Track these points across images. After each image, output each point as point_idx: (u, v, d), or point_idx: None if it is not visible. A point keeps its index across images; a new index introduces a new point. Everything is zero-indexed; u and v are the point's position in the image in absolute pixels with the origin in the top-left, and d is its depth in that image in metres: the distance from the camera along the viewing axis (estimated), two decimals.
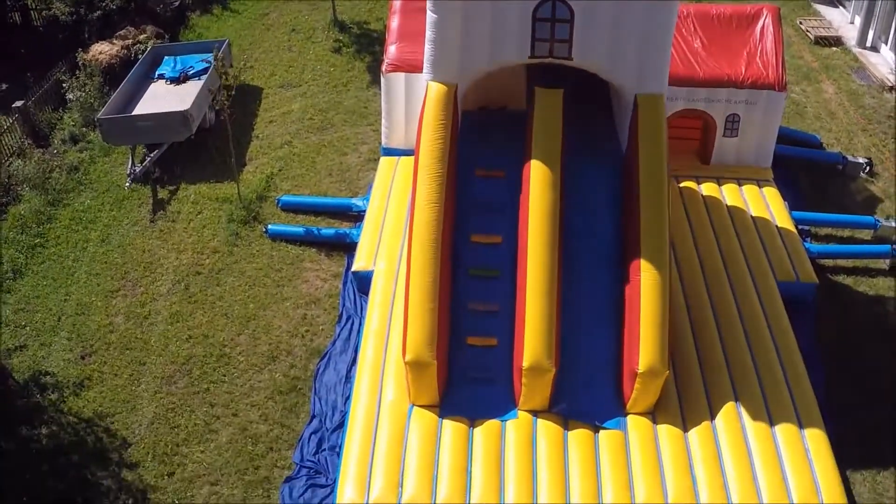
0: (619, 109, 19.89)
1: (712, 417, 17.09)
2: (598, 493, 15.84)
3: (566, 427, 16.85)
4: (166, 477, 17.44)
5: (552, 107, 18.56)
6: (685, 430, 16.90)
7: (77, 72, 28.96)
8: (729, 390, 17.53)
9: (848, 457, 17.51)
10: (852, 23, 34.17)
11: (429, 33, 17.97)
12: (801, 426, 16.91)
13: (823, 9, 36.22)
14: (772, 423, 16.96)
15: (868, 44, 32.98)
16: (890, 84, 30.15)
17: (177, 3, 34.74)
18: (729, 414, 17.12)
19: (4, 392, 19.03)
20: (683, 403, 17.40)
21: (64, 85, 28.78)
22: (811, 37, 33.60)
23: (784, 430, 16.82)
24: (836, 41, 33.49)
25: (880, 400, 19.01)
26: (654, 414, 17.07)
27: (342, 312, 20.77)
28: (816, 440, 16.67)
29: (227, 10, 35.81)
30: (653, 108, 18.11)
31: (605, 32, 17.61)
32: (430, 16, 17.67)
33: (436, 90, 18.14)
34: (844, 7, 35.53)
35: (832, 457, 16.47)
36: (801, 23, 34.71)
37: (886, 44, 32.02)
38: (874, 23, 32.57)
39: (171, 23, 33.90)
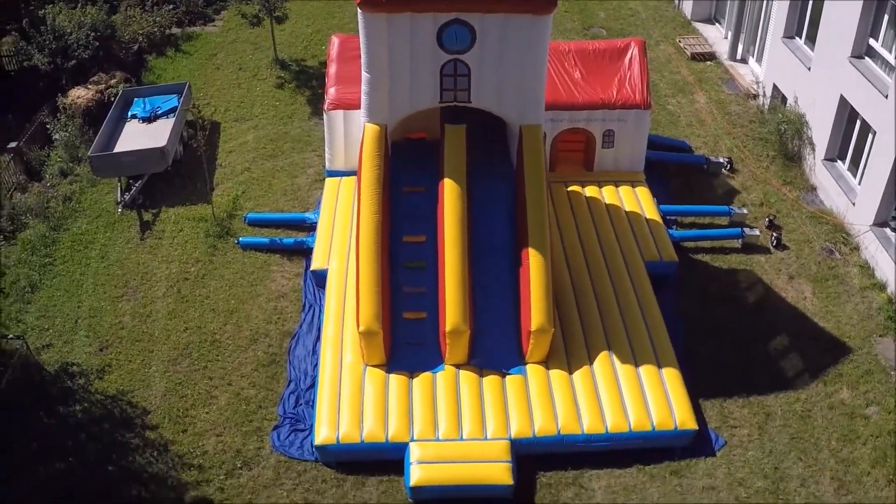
0: (510, 137, 23.49)
1: (591, 363, 20.82)
2: (507, 421, 19.54)
3: (481, 375, 20.50)
4: (181, 433, 20.50)
5: (458, 139, 22.50)
6: (570, 373, 20.60)
7: (59, 114, 31.35)
8: (604, 344, 21.25)
9: (702, 392, 21.18)
10: (726, 38, 36.92)
11: (364, 87, 21.57)
12: (659, 367, 20.65)
13: (702, 26, 39.08)
14: (637, 366, 20.70)
15: (738, 57, 36.02)
16: (754, 92, 33.24)
17: (135, 48, 37.18)
18: (604, 361, 20.86)
19: (40, 382, 21.75)
20: (569, 354, 21.10)
21: (48, 126, 31.07)
22: (688, 53, 36.48)
23: (646, 371, 20.58)
24: (711, 56, 36.41)
25: (729, 349, 22.52)
26: (547, 362, 20.77)
27: (305, 303, 23.77)
28: (672, 378, 20.49)
29: (179, 52, 38.21)
30: (533, 135, 21.96)
31: (493, 82, 21.47)
32: (365, 75, 21.32)
33: (371, 130, 21.79)
34: (720, 24, 38.37)
35: (684, 390, 20.23)
36: (680, 41, 37.60)
37: (753, 56, 34.97)
38: (742, 38, 35.44)
39: (133, 66, 36.32)
